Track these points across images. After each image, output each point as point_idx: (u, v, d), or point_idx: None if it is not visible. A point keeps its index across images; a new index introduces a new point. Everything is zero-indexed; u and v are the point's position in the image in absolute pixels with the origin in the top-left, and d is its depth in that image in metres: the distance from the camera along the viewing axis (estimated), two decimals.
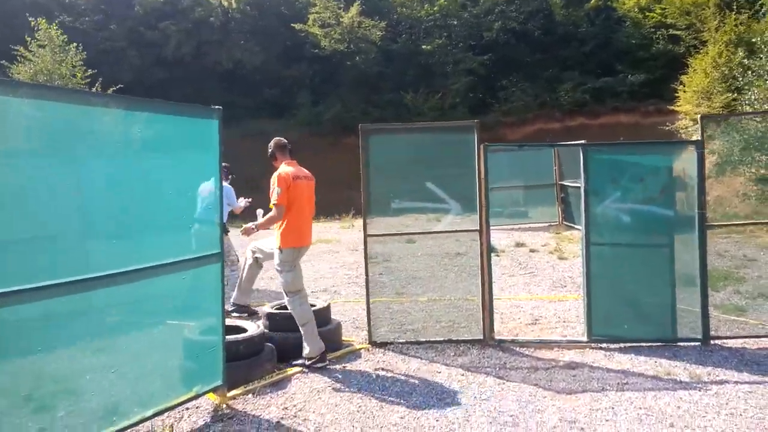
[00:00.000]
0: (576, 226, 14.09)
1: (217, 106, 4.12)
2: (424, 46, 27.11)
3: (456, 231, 5.74)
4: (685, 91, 20.11)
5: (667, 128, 20.13)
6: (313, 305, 5.44)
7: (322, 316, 5.28)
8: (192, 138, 3.96)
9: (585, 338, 5.53)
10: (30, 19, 18.22)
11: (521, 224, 15.05)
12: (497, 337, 5.61)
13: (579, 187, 13.98)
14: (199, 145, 4.00)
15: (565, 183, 14.90)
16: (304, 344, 4.93)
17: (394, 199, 5.59)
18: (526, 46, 27.99)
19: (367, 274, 5.56)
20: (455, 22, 28.21)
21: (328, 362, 4.97)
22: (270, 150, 5.34)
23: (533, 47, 28.03)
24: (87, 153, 3.18)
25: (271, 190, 5.02)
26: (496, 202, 15.75)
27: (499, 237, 13.14)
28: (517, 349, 5.51)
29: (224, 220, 6.84)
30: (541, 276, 8.92)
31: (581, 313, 6.64)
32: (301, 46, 27.90)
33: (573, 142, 9.81)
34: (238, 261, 7.01)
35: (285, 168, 5.04)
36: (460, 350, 5.50)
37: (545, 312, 6.83)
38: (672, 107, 21.22)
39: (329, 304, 5.47)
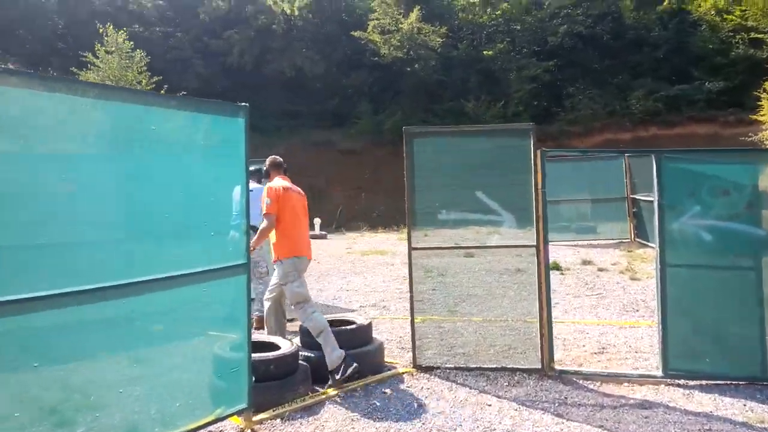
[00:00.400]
0: (650, 244, 13.06)
1: (243, 104, 3.76)
2: (485, 52, 26.43)
3: (510, 246, 5.17)
4: None
5: (750, 139, 18.69)
6: (353, 323, 5.02)
7: (363, 335, 4.83)
8: (215, 137, 3.62)
9: (660, 372, 4.83)
10: (99, 26, 18.85)
11: (589, 240, 14.16)
12: (558, 367, 5.00)
13: (650, 202, 13.10)
14: (222, 145, 3.65)
15: (638, 197, 13.91)
16: (326, 356, 4.61)
17: (440, 209, 5.09)
18: (593, 51, 26.82)
19: (411, 291, 5.07)
20: (518, 27, 27.41)
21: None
22: (265, 168, 5.47)
23: (602, 52, 26.82)
24: (90, 150, 2.86)
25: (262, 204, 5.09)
26: (562, 216, 14.96)
27: (564, 253, 12.36)
28: (581, 381, 4.87)
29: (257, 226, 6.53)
30: (610, 298, 8.16)
31: (655, 343, 5.92)
32: (361, 53, 27.82)
33: (644, 149, 8.96)
34: (268, 274, 6.66)
35: (276, 182, 5.13)
36: (515, 380, 4.92)
37: (614, 339, 6.13)
38: (754, 117, 19.67)
39: (370, 322, 5.01)
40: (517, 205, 5.15)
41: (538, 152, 4.66)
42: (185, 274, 3.26)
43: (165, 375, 3.43)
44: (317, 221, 18.32)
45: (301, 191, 5.31)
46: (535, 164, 4.69)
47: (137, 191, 3.17)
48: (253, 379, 3.95)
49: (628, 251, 12.56)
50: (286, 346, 4.41)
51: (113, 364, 3.16)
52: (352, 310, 7.42)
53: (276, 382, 4.09)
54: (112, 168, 3.07)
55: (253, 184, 6.31)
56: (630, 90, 25.18)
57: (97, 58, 18.00)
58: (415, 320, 6.60)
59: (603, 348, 5.82)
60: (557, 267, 10.43)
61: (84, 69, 17.92)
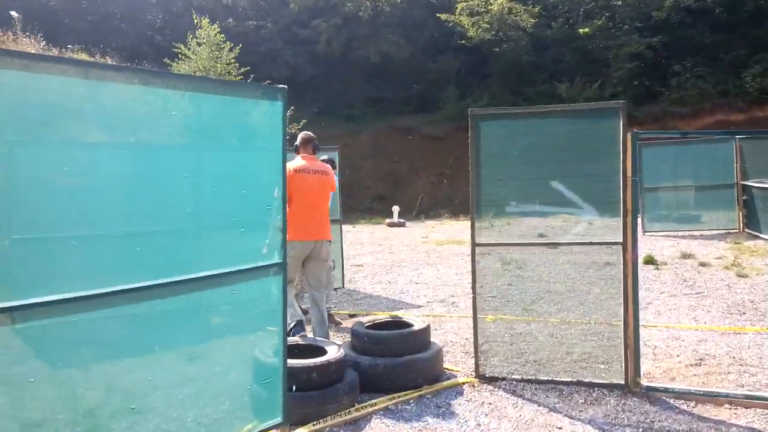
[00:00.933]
0: (762, 236, 11.72)
1: (281, 86, 3.40)
2: (582, 30, 24.81)
3: (590, 243, 4.51)
4: None
5: None
6: (409, 325, 4.59)
7: (418, 340, 4.38)
8: (248, 124, 3.28)
9: None
10: (194, 17, 19.40)
11: (691, 230, 12.91)
12: (645, 383, 4.32)
13: (765, 189, 11.68)
14: (258, 131, 3.32)
15: (749, 183, 12.46)
16: None
17: (509, 201, 4.53)
18: (704, 26, 24.44)
19: (474, 292, 4.56)
20: (619, 2, 25.48)
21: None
22: (295, 144, 5.23)
23: (713, 27, 24.39)
24: (92, 137, 2.60)
25: None
26: (660, 204, 13.74)
27: (661, 245, 11.29)
28: (672, 401, 4.17)
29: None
30: (713, 298, 7.19)
31: (766, 355, 5.06)
32: (448, 37, 27.07)
33: (759, 131, 7.77)
34: (334, 267, 6.34)
35: (294, 161, 4.93)
36: (593, 397, 4.29)
37: (715, 348, 5.31)
38: None
39: (428, 325, 4.54)
40: (601, 197, 4.48)
41: (629, 135, 3.98)
42: (206, 277, 2.96)
43: (188, 386, 3.16)
44: (395, 209, 18.00)
45: (325, 169, 5.07)
46: (625, 148, 4.01)
47: (159, 184, 2.89)
48: (293, 388, 3.63)
49: (736, 243, 11.28)
50: (333, 351, 4.06)
51: (135, 370, 2.92)
52: (419, 306, 7.00)
53: (318, 392, 3.74)
54: (133, 159, 2.81)
55: None
56: (745, 67, 22.71)
57: (189, 49, 18.53)
58: (487, 319, 6.08)
59: (701, 359, 5.03)
60: (652, 261, 9.46)
61: (176, 60, 18.51)
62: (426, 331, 4.49)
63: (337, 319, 6.24)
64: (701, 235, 12.71)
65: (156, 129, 2.80)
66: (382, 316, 4.88)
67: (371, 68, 27.70)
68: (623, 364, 4.38)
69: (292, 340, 4.28)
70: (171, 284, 2.79)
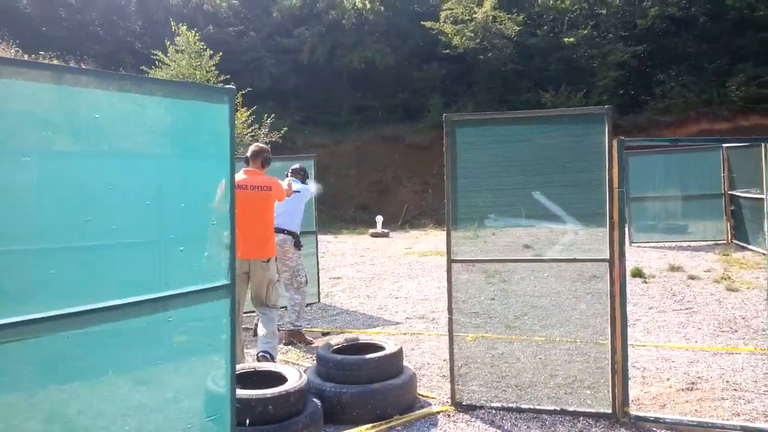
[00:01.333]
0: (751, 247, 11.50)
1: (229, 86, 3.04)
2: (566, 39, 24.71)
3: (575, 260, 4.19)
4: None
5: None
6: (380, 347, 4.22)
7: (390, 365, 4.01)
8: (189, 128, 2.91)
9: None
10: (172, 23, 19.00)
11: (678, 241, 12.68)
12: (633, 412, 3.98)
13: (756, 199, 11.45)
14: (201, 137, 2.95)
15: (737, 193, 12.26)
16: None
17: (488, 213, 4.19)
18: (688, 35, 24.48)
19: (450, 313, 4.20)
20: (604, 11, 25.46)
21: None
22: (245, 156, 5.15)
23: (698, 36, 24.43)
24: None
25: None
26: (647, 215, 13.50)
27: (649, 257, 11.02)
28: None
29: (297, 230, 5.86)
30: (703, 314, 6.90)
31: (760, 377, 4.74)
32: (433, 45, 26.89)
33: (748, 138, 7.51)
34: (306, 284, 5.97)
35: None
36: (578, 428, 3.95)
37: (707, 370, 4.99)
38: None
39: (400, 348, 4.17)
40: (586, 209, 4.17)
41: (615, 142, 3.66)
42: (133, 303, 2.58)
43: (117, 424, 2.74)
44: (379, 219, 17.66)
45: (268, 185, 4.86)
46: (611, 157, 3.69)
47: (78, 196, 2.51)
48: (247, 422, 3.25)
49: (724, 255, 11.04)
50: (293, 378, 3.68)
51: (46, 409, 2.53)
52: (397, 323, 6.63)
53: (275, 425, 3.36)
54: (41, 167, 2.42)
55: (297, 185, 5.67)
56: (729, 76, 22.72)
57: (167, 56, 18.12)
58: (467, 338, 5.74)
59: (692, 383, 4.71)
60: (640, 274, 9.18)
61: (153, 67, 18.08)
62: (398, 355, 4.12)
63: (308, 338, 5.86)
64: (689, 246, 12.48)
65: (67, 131, 2.42)
66: (352, 337, 4.51)
67: (356, 77, 27.43)
68: (610, 391, 4.04)
69: (249, 365, 3.90)
70: (89, 312, 2.40)
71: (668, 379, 4.82)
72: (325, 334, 6.18)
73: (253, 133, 18.43)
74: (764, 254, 10.77)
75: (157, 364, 2.77)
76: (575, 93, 23.45)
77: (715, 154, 12.88)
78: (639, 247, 12.67)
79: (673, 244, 12.50)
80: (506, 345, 5.58)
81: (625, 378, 3.93)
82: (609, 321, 3.97)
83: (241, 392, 3.37)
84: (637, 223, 13.31)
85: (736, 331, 6.16)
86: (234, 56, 24.54)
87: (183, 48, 18.27)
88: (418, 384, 4.56)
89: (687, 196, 13.19)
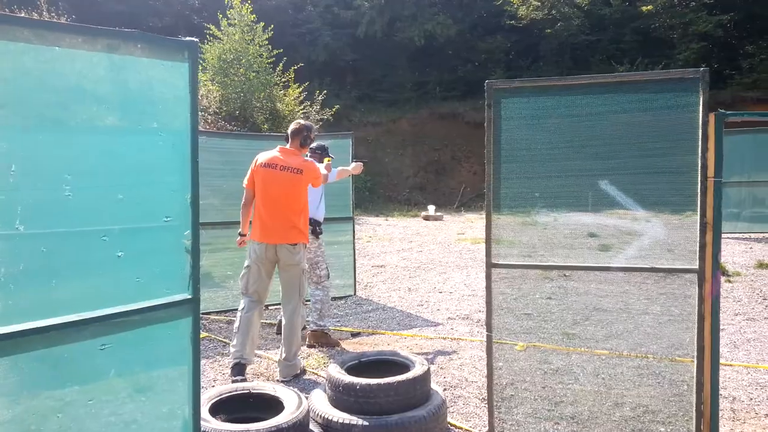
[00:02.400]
0: None
1: (191, 38, 2.33)
2: (644, 8, 22.75)
3: (652, 269, 3.29)
4: None
5: None
6: (405, 366, 3.48)
7: (413, 391, 3.26)
8: (136, 93, 2.24)
9: None
10: None
11: (766, 233, 11.27)
12: None
13: None
14: (150, 105, 2.27)
15: None
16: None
17: (539, 208, 3.36)
18: None
19: (489, 330, 3.40)
20: None
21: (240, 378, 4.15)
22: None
23: None
24: None
25: None
26: (730, 201, 12.07)
27: (732, 250, 9.75)
28: None
29: (320, 218, 5.18)
30: None
31: None
32: (497, 16, 25.47)
33: None
34: (328, 277, 5.28)
35: (266, 152, 4.51)
36: None
37: None
38: None
39: (428, 369, 3.40)
40: (668, 203, 3.26)
41: (711, 117, 2.73)
42: (55, 326, 1.95)
43: None
44: (431, 208, 16.73)
45: (299, 167, 4.37)
46: (706, 136, 2.76)
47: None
48: None
49: None
50: (292, 405, 3.01)
51: None
52: (436, 324, 5.86)
53: None
54: None
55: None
56: None
57: (221, 31, 17.73)
58: (517, 347, 4.94)
59: None
60: (723, 271, 8.01)
61: (206, 42, 17.73)
62: (425, 378, 3.37)
63: (335, 339, 5.19)
64: None
65: None
66: (371, 351, 3.79)
67: (415, 51, 26.38)
68: (692, 426, 3.16)
69: (243, 386, 3.26)
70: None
71: (766, 416, 3.87)
72: (354, 335, 5.50)
73: (304, 110, 17.90)
74: None
75: (83, 406, 2.13)
76: (652, 67, 21.55)
77: None
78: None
79: (761, 236, 11.11)
80: (563, 358, 4.75)
81: (715, 423, 3.04)
82: (696, 349, 3.07)
83: (216, 428, 2.74)
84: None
85: None
86: (289, 29, 24.04)
87: (236, 21, 17.83)
88: (450, 410, 3.82)
89: None
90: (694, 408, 3.10)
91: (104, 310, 2.08)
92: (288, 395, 3.12)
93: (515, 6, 24.13)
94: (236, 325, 4.34)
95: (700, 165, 2.82)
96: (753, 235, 11.35)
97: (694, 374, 3.12)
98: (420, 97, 25.48)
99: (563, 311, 5.62)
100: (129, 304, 2.13)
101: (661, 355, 4.63)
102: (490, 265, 3.32)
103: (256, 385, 3.29)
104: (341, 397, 3.22)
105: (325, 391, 3.37)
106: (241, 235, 4.52)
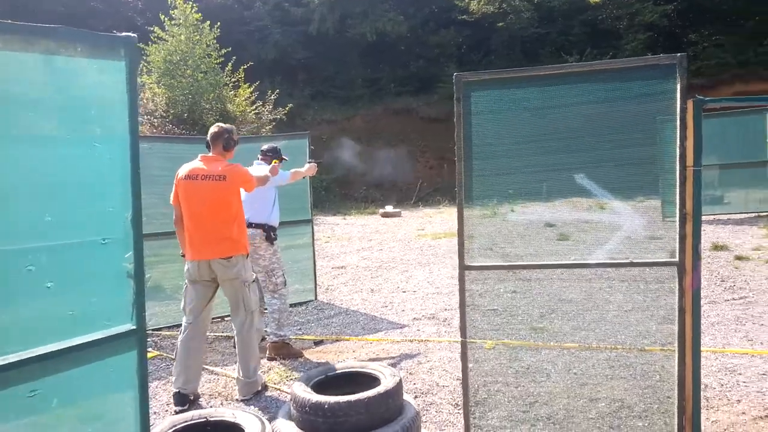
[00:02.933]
0: None
1: (128, 34, 2.07)
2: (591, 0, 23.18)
3: (631, 264, 3.17)
4: None
5: None
6: (375, 379, 3.27)
7: (385, 406, 3.05)
8: (66, 97, 1.96)
9: None
10: None
11: (716, 215, 11.55)
12: None
13: None
14: (83, 109, 1.99)
15: None
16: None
17: (512, 205, 3.21)
18: None
19: (463, 334, 3.21)
20: None
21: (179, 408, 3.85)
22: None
23: None
24: None
25: None
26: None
27: None
28: None
29: (273, 223, 4.91)
30: (762, 305, 5.85)
31: None
32: (448, 11, 25.46)
33: None
34: (285, 285, 5.02)
35: (186, 165, 4.14)
36: None
37: None
38: None
39: (400, 381, 3.20)
40: (643, 194, 3.15)
41: (690, 103, 2.61)
42: None
43: None
44: (388, 208, 16.56)
45: (223, 174, 4.01)
46: (684, 124, 2.64)
47: None
48: None
49: None
50: (254, 429, 2.75)
51: None
52: (402, 326, 5.67)
53: None
54: None
55: (265, 168, 4.72)
56: (767, 35, 21.13)
57: (165, 32, 17.06)
58: (486, 345, 4.79)
59: None
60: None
61: (150, 44, 17.04)
62: (397, 390, 3.16)
63: (296, 349, 4.93)
64: (729, 219, 11.37)
65: None
66: (341, 365, 3.55)
67: (367, 47, 26.15)
68: (672, 420, 3.06)
69: (200, 414, 2.98)
70: None
71: (739, 402, 3.82)
72: (317, 344, 5.25)
73: (256, 110, 17.43)
74: None
75: None
76: (601, 57, 21.96)
77: (758, 118, 11.65)
78: (672, 221, 11.57)
79: (711, 218, 11.38)
80: (533, 354, 4.63)
81: (697, 425, 2.94)
82: (677, 344, 2.96)
83: None
84: (668, 194, 12.19)
85: None
86: (237, 27, 23.43)
87: (181, 21, 17.19)
88: (423, 418, 3.63)
89: (725, 164, 11.98)
90: (676, 405, 2.99)
91: (31, 351, 1.79)
92: (249, 421, 2.87)
93: (466, 0, 24.19)
94: (175, 351, 4.07)
95: (678, 154, 2.70)
96: (704, 218, 11.61)
97: (676, 369, 3.02)
98: (374, 94, 25.27)
99: (529, 305, 5.52)
100: (61, 341, 1.85)
101: (630, 344, 4.57)
102: (463, 268, 3.14)
103: (213, 412, 3.02)
104: (308, 418, 2.98)
105: (290, 412, 3.12)
106: (183, 256, 4.18)
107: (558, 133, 3.17)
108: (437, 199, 18.80)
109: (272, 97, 17.85)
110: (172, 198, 4.10)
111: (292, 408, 3.09)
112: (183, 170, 4.07)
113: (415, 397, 3.95)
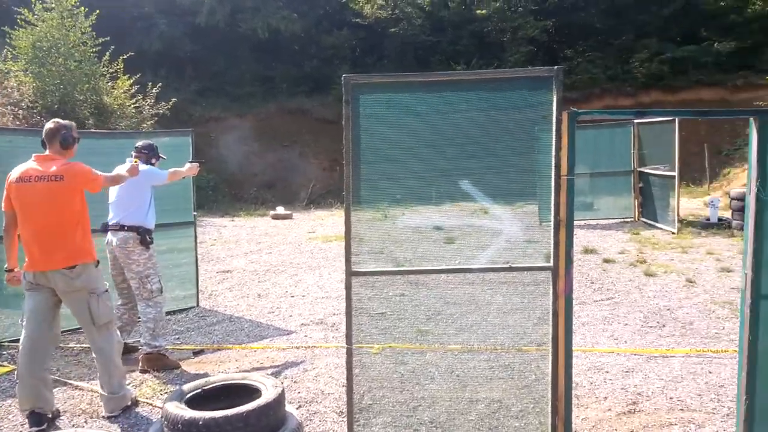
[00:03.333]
0: (658, 225, 11.39)
1: None
2: (478, 11, 24.15)
3: (510, 268, 3.26)
4: None
5: (763, 104, 16.94)
6: (255, 390, 3.12)
7: (266, 420, 2.91)
8: None
9: None
10: None
11: (586, 220, 12.42)
12: None
13: (665, 176, 11.29)
14: None
15: (646, 170, 12.13)
16: None
17: (405, 205, 3.20)
18: (595, 10, 24.61)
19: (349, 342, 3.15)
20: None
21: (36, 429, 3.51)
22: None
23: (604, 11, 24.59)
24: None
25: None
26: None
27: None
28: None
29: (149, 226, 4.60)
30: (626, 305, 6.34)
31: (703, 387, 4.12)
32: (342, 13, 25.48)
33: (735, 110, 6.61)
34: (162, 292, 4.73)
35: (18, 167, 3.76)
36: None
37: (645, 383, 4.30)
38: None
39: (282, 391, 3.07)
40: (525, 200, 3.26)
41: (565, 115, 2.72)
42: None
43: None
44: (279, 209, 16.26)
45: (60, 173, 3.63)
46: (560, 134, 2.74)
47: None
48: None
49: (635, 234, 10.90)
50: None
51: None
52: (289, 333, 5.53)
53: None
54: None
55: (141, 166, 4.40)
56: (633, 52, 23.12)
57: (34, 15, 15.57)
58: (372, 350, 4.79)
59: (633, 402, 3.99)
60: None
61: (17, 28, 15.48)
62: (279, 401, 3.03)
63: (173, 360, 4.64)
64: (597, 224, 12.29)
65: None
66: (219, 377, 3.37)
67: (259, 44, 25.48)
68: (549, 417, 3.18)
69: None
70: None
71: (606, 398, 4.08)
72: (197, 354, 4.98)
73: (136, 104, 16.41)
74: (673, 232, 10.66)
75: None
76: (487, 67, 23.00)
77: (626, 131, 12.71)
78: (548, 227, 12.32)
79: (582, 223, 12.23)
80: (418, 357, 4.70)
81: (569, 423, 3.07)
82: (550, 346, 3.08)
83: None
84: (544, 200, 12.95)
85: (664, 325, 5.62)
86: (118, 15, 21.96)
87: (53, 5, 15.80)
88: (306, 429, 3.53)
89: (595, 173, 12.94)
90: (549, 405, 3.12)
91: None
92: None
93: (360, 4, 24.35)
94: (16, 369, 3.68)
95: (553, 163, 2.81)
96: (576, 222, 12.41)
97: (549, 369, 3.14)
98: (266, 92, 24.69)
99: (416, 307, 5.59)
100: None
101: (509, 345, 4.76)
102: (350, 274, 3.07)
103: None
104: None
105: (161, 430, 2.90)
106: (8, 270, 3.78)
107: (446, 139, 3.20)
108: (329, 202, 18.71)
109: (154, 91, 16.87)
110: (3, 204, 3.72)
111: (164, 426, 2.87)
112: (15, 172, 3.70)
113: (299, 407, 3.84)
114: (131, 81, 16.46)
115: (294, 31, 24.89)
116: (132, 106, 16.28)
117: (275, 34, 24.90)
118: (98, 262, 3.79)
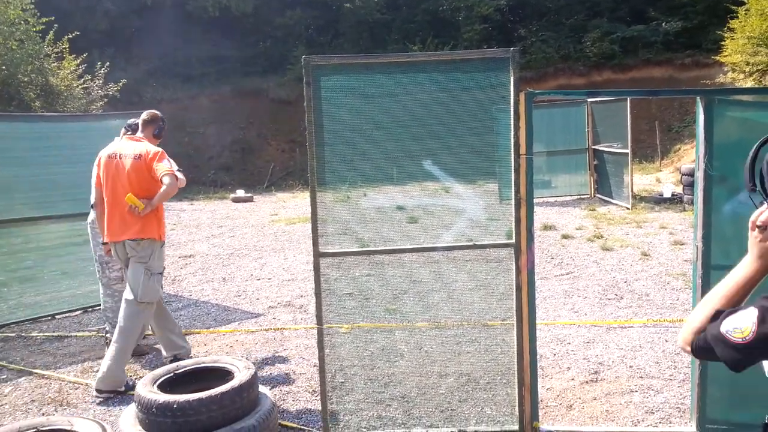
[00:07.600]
0: (613, 201, 11.77)
1: None
2: None
3: (474, 246, 3.36)
4: (734, 38, 17.24)
5: (709, 83, 17.57)
6: (227, 372, 3.15)
7: (239, 401, 2.95)
8: None
9: (693, 429, 3.21)
10: None
11: (545, 198, 12.71)
12: (544, 428, 3.30)
13: (619, 153, 11.64)
14: None
15: (600, 148, 12.46)
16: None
17: (367, 186, 3.26)
18: None
19: (320, 322, 3.20)
20: None
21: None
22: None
23: None
24: None
25: None
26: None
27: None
28: None
29: None
30: (585, 279, 6.57)
31: (660, 357, 4.35)
32: None
33: (683, 89, 6.67)
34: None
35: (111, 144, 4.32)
36: None
37: (606, 353, 4.50)
38: (717, 57, 18.40)
39: (254, 373, 3.10)
40: (483, 179, 3.35)
41: (522, 96, 2.80)
42: None
43: None
44: (239, 192, 16.07)
45: (136, 153, 4.07)
46: (517, 115, 2.83)
47: None
48: None
49: (591, 210, 11.20)
50: None
51: None
52: (257, 315, 5.54)
53: None
54: None
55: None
56: (585, 32, 23.52)
57: None
58: (342, 329, 4.85)
59: (595, 372, 4.18)
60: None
61: None
62: (251, 383, 3.06)
63: (141, 347, 4.60)
64: (555, 201, 12.57)
65: None
66: (190, 361, 3.38)
67: (210, 23, 24.82)
68: (516, 386, 3.33)
69: (31, 423, 2.66)
70: None
71: (569, 369, 4.26)
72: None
73: (84, 85, 15.83)
74: (627, 208, 11.03)
75: None
76: (442, 46, 23.04)
77: (580, 110, 12.98)
78: (507, 204, 12.58)
79: (541, 200, 12.49)
80: (387, 336, 4.78)
81: (535, 392, 3.22)
82: (515, 320, 3.21)
83: None
84: (504, 179, 13.19)
85: (621, 297, 5.86)
86: None
87: None
88: (280, 408, 3.58)
89: (552, 151, 13.22)
90: (516, 376, 3.25)
91: None
92: (88, 428, 2.61)
93: None
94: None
95: (512, 143, 2.90)
96: (536, 200, 12.70)
97: (514, 342, 3.27)
98: (220, 72, 24.13)
99: (383, 287, 5.67)
100: None
101: (474, 320, 4.89)
102: (317, 255, 3.12)
103: (46, 420, 2.71)
104: (156, 419, 2.80)
105: (135, 414, 2.91)
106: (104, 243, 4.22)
107: (407, 120, 3.25)
108: (290, 183, 18.55)
109: (102, 71, 16.31)
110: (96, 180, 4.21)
111: (137, 410, 2.87)
112: (105, 150, 4.16)
113: (272, 387, 3.89)
114: (78, 61, 15.86)
115: (245, 11, 24.33)
116: (80, 87, 15.70)
117: (226, 12, 24.29)
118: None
